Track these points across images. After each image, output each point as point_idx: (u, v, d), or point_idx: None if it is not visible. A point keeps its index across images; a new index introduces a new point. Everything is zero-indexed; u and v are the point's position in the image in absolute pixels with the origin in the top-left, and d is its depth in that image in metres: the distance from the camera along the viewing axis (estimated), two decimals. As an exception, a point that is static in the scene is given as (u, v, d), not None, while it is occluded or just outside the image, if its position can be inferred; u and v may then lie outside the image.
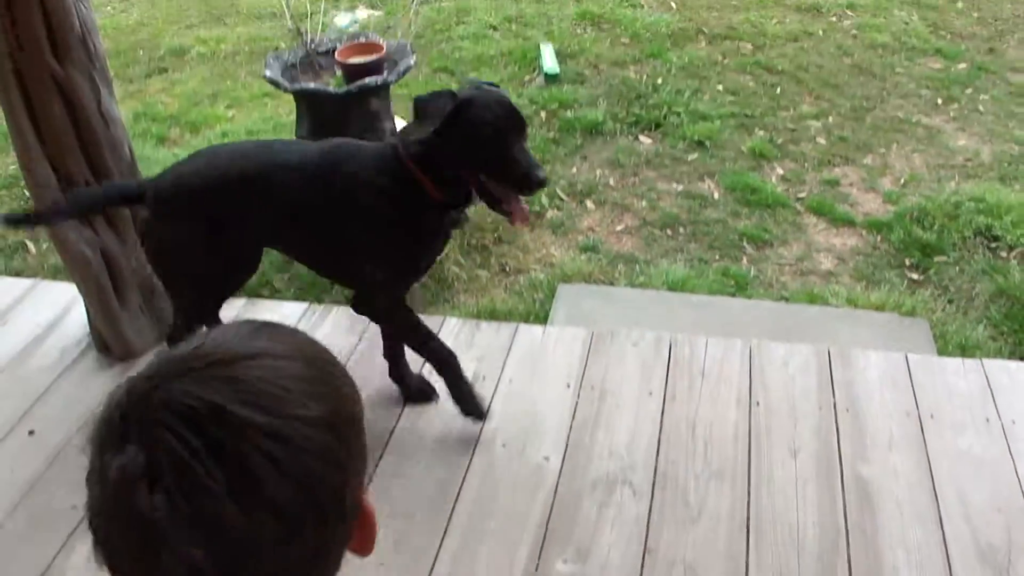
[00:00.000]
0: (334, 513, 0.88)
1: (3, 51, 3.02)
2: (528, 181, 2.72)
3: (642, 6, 8.12)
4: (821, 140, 6.00)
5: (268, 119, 6.24)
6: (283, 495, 0.81)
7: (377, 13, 8.17)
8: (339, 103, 4.25)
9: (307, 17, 5.18)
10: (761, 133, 6.01)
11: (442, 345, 3.17)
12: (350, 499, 0.90)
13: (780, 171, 5.64)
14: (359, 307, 3.17)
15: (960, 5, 8.58)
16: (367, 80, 4.23)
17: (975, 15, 8.37)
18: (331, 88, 4.29)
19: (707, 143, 5.83)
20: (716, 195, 5.31)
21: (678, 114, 6.12)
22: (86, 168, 3.25)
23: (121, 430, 0.82)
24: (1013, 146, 6.10)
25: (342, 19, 7.95)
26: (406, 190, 2.83)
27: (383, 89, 4.39)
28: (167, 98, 6.94)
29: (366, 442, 0.96)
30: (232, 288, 3.25)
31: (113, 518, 0.82)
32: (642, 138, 5.89)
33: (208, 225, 2.93)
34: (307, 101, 4.38)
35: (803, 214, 5.21)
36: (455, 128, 2.70)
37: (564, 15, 7.85)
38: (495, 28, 7.66)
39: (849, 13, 8.15)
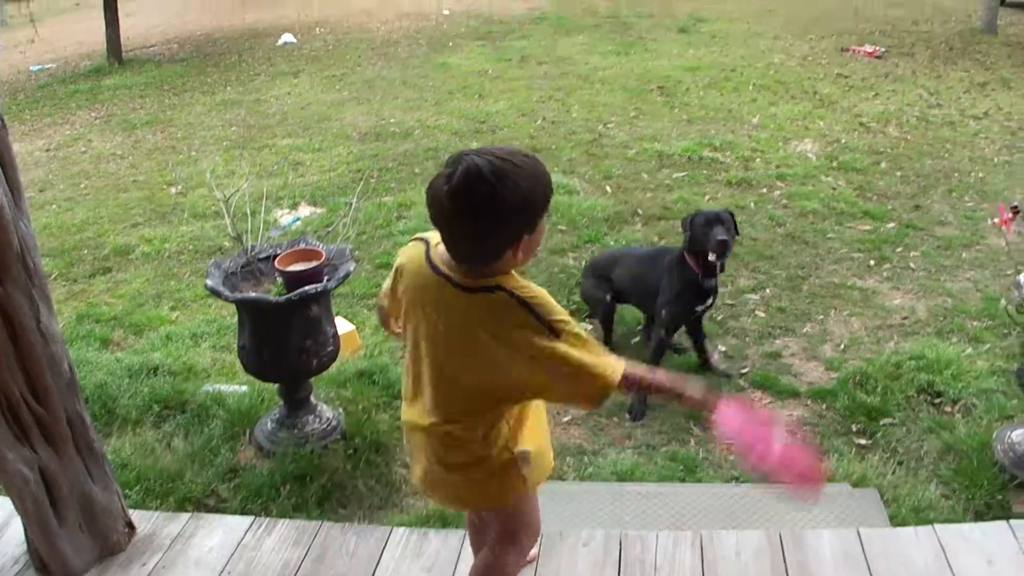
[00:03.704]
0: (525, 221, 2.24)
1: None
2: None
3: (578, 192, 8.32)
4: (760, 313, 6.07)
5: (212, 321, 6.25)
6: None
7: (319, 211, 8.32)
8: (280, 311, 4.26)
9: (249, 216, 5.23)
10: (700, 313, 6.08)
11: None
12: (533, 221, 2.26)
13: (723, 348, 5.67)
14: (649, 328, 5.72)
15: (883, 166, 8.87)
16: (307, 288, 4.25)
17: (898, 174, 8.64)
18: (271, 297, 4.29)
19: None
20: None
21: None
22: (24, 384, 3.21)
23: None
24: (947, 299, 6.23)
25: (284, 218, 8.09)
26: (684, 265, 5.12)
27: (323, 295, 4.41)
28: (111, 299, 6.95)
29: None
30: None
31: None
32: (584, 324, 5.92)
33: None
34: (248, 309, 4.39)
35: (748, 389, 5.22)
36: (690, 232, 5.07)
37: (501, 205, 7.98)
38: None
39: (779, 183, 8.39)
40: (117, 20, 17.79)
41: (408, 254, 2.55)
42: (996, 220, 4.67)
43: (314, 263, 4.37)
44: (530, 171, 2.19)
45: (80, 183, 10.02)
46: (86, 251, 7.91)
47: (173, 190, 9.35)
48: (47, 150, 11.66)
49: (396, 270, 2.60)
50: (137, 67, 17.00)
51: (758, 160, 9.10)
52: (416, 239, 2.56)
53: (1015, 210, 4.57)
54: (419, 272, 2.46)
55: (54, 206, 9.26)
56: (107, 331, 6.34)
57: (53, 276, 7.37)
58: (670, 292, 5.20)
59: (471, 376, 2.40)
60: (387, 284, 2.68)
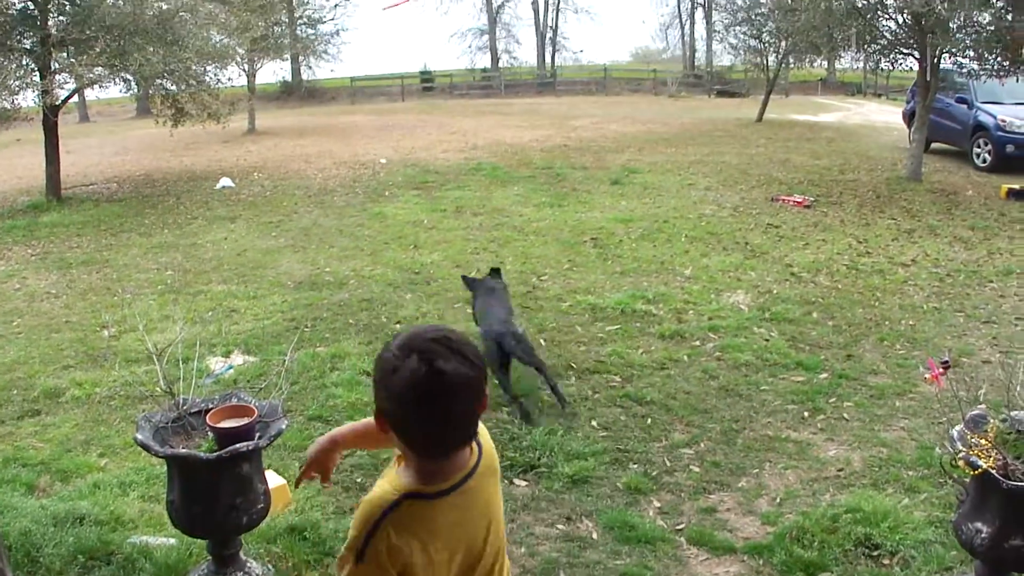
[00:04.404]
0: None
1: None
2: None
3: (512, 345, 8.33)
4: (695, 468, 6.07)
5: (141, 470, 6.03)
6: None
7: (253, 359, 8.23)
8: (210, 468, 4.20)
9: (182, 364, 5.19)
10: (635, 467, 6.05)
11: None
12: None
13: (657, 504, 5.64)
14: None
15: (815, 316, 9.05)
16: (238, 446, 4.20)
17: (830, 324, 8.81)
18: (201, 454, 4.23)
19: (582, 482, 5.83)
20: (595, 535, 5.27)
21: (551, 453, 6.15)
22: None
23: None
24: (882, 449, 6.27)
25: (218, 366, 7.99)
26: None
27: (255, 453, 4.36)
28: (39, 442, 6.74)
29: None
30: None
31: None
32: (517, 481, 5.86)
33: None
34: (178, 465, 4.32)
35: (683, 547, 5.17)
36: None
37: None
38: (369, 374, 7.70)
39: (711, 335, 8.50)
40: (58, 157, 17.84)
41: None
42: (928, 376, 4.78)
43: (245, 420, 4.33)
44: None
45: (12, 321, 9.88)
46: (15, 391, 7.74)
47: (106, 333, 9.23)
48: (-21, 286, 11.53)
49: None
50: (75, 205, 17.00)
51: (691, 312, 9.24)
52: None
53: (945, 365, 4.68)
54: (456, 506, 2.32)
55: (-17, 348, 9.11)
56: (33, 476, 6.14)
57: (-20, 416, 7.23)
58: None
59: None
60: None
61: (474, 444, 2.35)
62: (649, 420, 6.78)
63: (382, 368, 2.19)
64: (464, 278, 8.56)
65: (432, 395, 2.12)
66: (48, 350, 8.76)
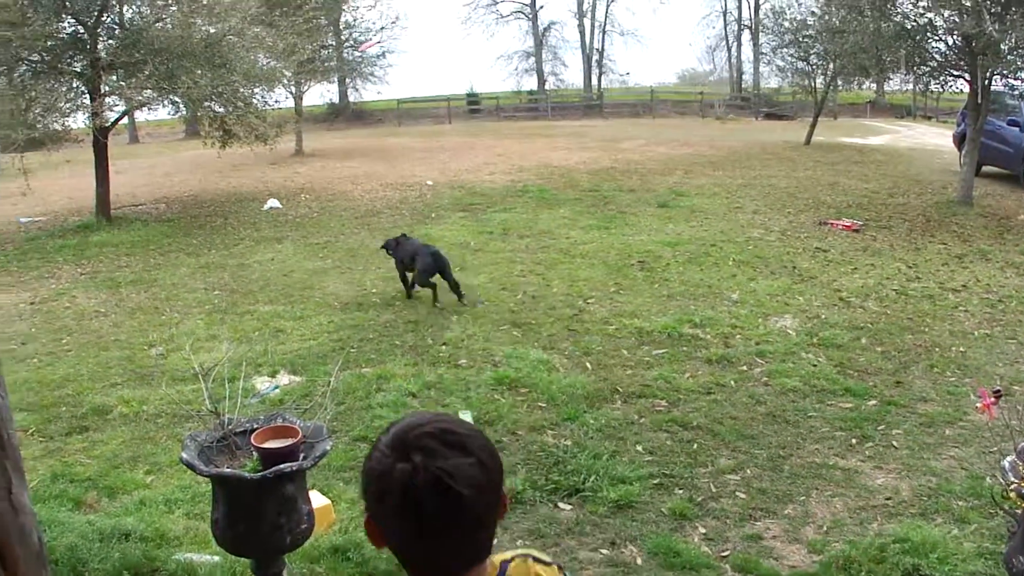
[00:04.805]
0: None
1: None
2: None
3: (557, 369, 8.32)
4: (741, 494, 6.00)
5: (187, 487, 6.08)
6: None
7: (298, 379, 8.27)
8: (255, 488, 4.20)
9: (227, 383, 5.20)
10: (680, 492, 6.00)
11: None
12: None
13: (702, 530, 5.59)
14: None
15: (864, 341, 8.94)
16: (283, 467, 4.20)
17: (879, 350, 8.70)
18: (246, 474, 4.24)
19: (627, 506, 5.79)
20: (639, 560, 5.22)
21: (597, 477, 6.10)
22: None
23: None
24: (931, 478, 6.17)
25: (264, 386, 8.03)
26: None
27: (299, 474, 4.36)
28: (86, 459, 6.81)
29: None
30: None
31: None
32: (562, 505, 5.85)
33: None
34: (223, 484, 4.33)
35: (727, 574, 5.12)
36: None
37: (481, 380, 8.00)
38: (414, 395, 7.75)
39: (759, 360, 8.42)
40: (108, 178, 18.06)
41: None
42: (979, 405, 4.70)
43: (290, 441, 4.34)
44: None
45: (62, 339, 10.00)
46: (64, 408, 7.83)
47: (154, 351, 9.32)
48: (31, 303, 11.68)
49: None
50: (125, 225, 17.19)
51: (738, 337, 9.17)
52: None
53: (997, 394, 4.60)
54: None
55: (35, 360, 9.21)
56: (80, 491, 6.21)
57: (30, 432, 7.29)
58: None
59: None
60: None
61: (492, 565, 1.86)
62: (695, 445, 6.72)
63: (368, 472, 1.74)
64: (384, 245, 11.60)
65: (426, 503, 1.66)
66: (96, 368, 8.85)
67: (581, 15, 60.29)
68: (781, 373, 8.08)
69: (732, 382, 7.95)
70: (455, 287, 10.56)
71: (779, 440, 6.82)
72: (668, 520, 5.66)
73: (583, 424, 7.05)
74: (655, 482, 6.13)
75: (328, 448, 4.51)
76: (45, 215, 19.08)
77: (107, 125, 17.65)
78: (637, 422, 7.15)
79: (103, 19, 17.18)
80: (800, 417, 7.22)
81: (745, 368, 8.29)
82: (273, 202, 18.87)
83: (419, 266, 10.62)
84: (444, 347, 9.04)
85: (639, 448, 6.68)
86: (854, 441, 6.82)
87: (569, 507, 5.84)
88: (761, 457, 6.54)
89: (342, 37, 37.61)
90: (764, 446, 6.71)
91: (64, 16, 16.83)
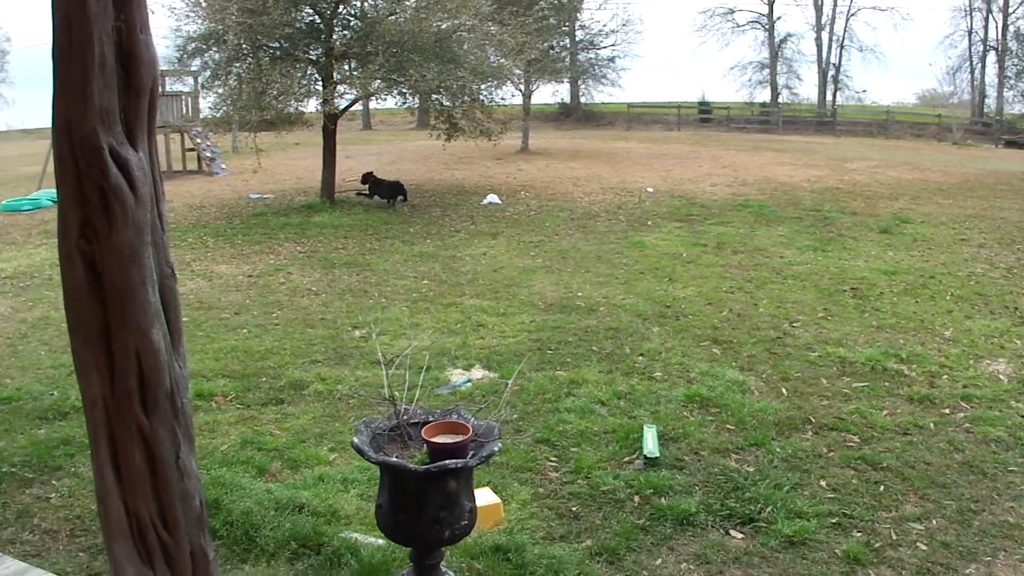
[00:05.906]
0: None
1: (97, 396, 3.25)
2: None
3: (752, 391, 8.14)
4: (922, 545, 5.69)
5: (366, 469, 6.17)
6: None
7: (491, 375, 8.42)
8: (418, 479, 4.28)
9: (424, 371, 5.32)
10: (858, 535, 5.73)
11: None
12: None
13: (876, 577, 5.37)
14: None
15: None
16: (447, 462, 4.26)
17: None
18: (411, 465, 4.32)
19: (800, 543, 5.59)
20: (805, 600, 5.07)
21: (773, 509, 5.93)
22: (156, 513, 3.37)
23: None
24: None
25: (456, 377, 8.20)
26: None
27: (464, 471, 4.41)
28: (277, 430, 7.14)
29: None
30: None
31: None
32: (733, 532, 5.70)
33: None
34: (388, 472, 4.43)
35: (898, 627, 4.91)
36: None
37: (673, 396, 7.90)
38: (603, 403, 7.74)
39: (963, 404, 7.99)
40: (334, 162, 18.81)
41: None
42: None
43: (460, 437, 4.40)
44: None
45: (273, 312, 10.46)
46: (264, 379, 8.20)
47: (357, 333, 9.63)
48: (249, 276, 12.29)
49: None
50: (347, 208, 17.85)
51: (945, 377, 8.73)
52: None
53: None
54: None
55: (244, 330, 9.67)
56: (266, 460, 6.53)
57: (230, 398, 7.65)
58: None
59: None
60: None
61: None
62: (882, 487, 6.43)
63: None
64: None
65: None
66: (300, 343, 9.21)
67: (819, 28, 59.05)
68: (986, 420, 7.63)
69: (932, 424, 7.56)
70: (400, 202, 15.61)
71: (972, 492, 6.43)
72: (840, 562, 5.43)
73: (769, 451, 6.87)
74: (833, 520, 5.89)
75: (496, 449, 4.54)
76: (273, 193, 20.01)
77: (336, 112, 18.35)
78: (825, 455, 6.90)
79: (339, 11, 17.90)
80: (999, 470, 6.80)
81: (948, 411, 7.88)
82: (492, 197, 19.19)
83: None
84: (641, 357, 9.00)
85: (823, 483, 6.45)
86: (1056, 502, 6.40)
87: (740, 536, 5.70)
88: (950, 508, 6.19)
89: (576, 38, 37.94)
90: (955, 497, 6.35)
91: (303, 6, 17.61)
